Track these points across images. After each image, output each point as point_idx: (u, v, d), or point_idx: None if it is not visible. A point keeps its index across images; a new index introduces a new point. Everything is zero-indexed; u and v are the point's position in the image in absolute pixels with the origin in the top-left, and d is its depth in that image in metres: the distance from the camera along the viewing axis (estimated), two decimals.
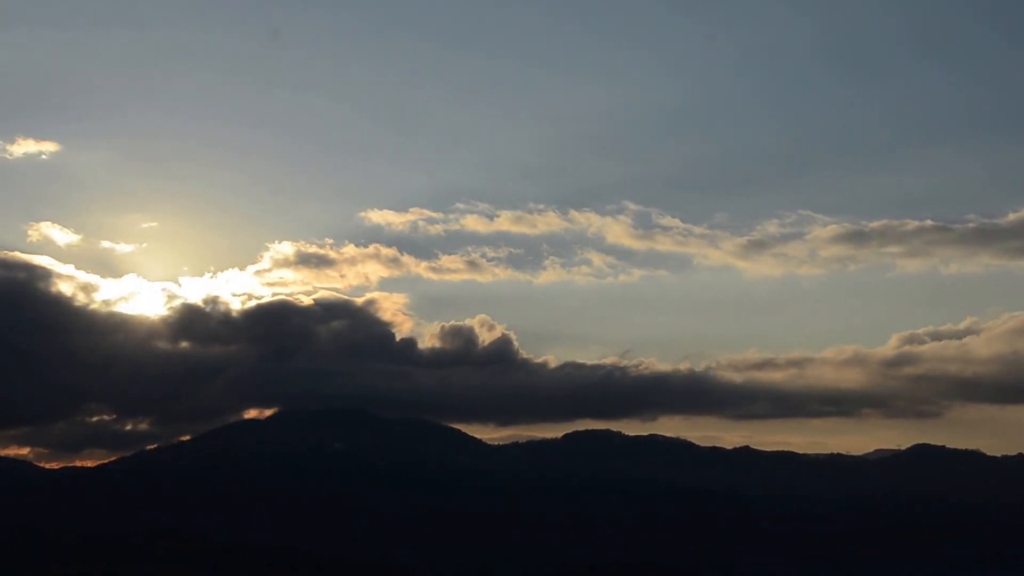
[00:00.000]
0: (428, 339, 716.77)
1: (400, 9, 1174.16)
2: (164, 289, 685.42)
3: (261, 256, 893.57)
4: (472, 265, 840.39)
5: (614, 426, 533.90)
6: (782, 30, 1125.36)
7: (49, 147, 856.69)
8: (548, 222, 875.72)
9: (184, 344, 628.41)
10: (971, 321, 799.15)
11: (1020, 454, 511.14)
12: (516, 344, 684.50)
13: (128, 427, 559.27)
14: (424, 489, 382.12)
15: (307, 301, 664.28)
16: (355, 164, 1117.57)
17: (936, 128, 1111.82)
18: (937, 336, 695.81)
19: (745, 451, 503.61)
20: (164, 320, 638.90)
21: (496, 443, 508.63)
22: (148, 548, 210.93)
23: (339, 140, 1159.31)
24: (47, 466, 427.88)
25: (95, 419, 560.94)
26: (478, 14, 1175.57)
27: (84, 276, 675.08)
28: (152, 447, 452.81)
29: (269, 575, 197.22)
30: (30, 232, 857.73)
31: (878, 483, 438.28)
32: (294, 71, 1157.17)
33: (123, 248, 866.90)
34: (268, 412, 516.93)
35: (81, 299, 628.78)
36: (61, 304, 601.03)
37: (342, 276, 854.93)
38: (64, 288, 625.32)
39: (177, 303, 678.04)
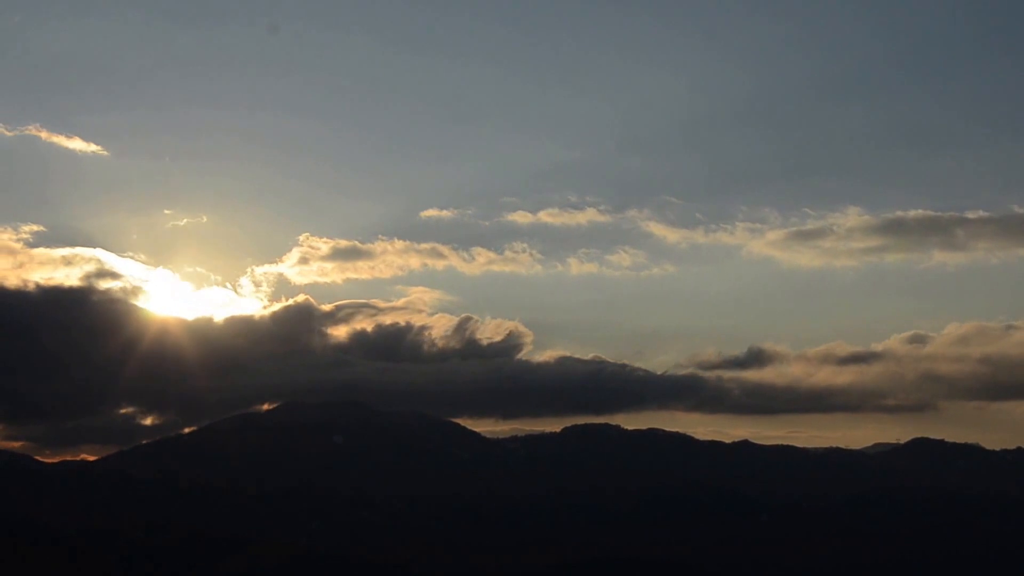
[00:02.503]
0: (437, 335, 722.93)
1: (448, 9, 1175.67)
2: (190, 286, 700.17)
3: (298, 251, 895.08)
4: (508, 259, 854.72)
5: (613, 421, 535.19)
6: (819, 31, 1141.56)
7: (92, 145, 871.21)
8: (588, 217, 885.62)
9: (204, 340, 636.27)
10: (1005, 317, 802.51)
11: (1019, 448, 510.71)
12: (520, 340, 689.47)
13: (139, 422, 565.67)
14: (422, 483, 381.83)
15: (327, 307, 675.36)
16: (399, 161, 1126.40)
17: (975, 123, 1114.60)
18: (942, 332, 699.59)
19: (744, 445, 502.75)
20: (187, 317, 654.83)
21: (495, 437, 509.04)
22: (145, 542, 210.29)
23: (383, 137, 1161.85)
24: (45, 460, 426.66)
25: (115, 413, 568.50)
26: (522, 14, 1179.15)
27: (116, 270, 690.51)
28: (149, 441, 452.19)
29: (265, 569, 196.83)
30: (72, 226, 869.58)
31: (877, 477, 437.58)
32: (341, 75, 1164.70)
33: (156, 244, 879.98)
34: (268, 406, 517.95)
35: (109, 295, 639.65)
36: (90, 301, 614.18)
37: (377, 268, 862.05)
38: (95, 285, 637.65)
39: (200, 302, 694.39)
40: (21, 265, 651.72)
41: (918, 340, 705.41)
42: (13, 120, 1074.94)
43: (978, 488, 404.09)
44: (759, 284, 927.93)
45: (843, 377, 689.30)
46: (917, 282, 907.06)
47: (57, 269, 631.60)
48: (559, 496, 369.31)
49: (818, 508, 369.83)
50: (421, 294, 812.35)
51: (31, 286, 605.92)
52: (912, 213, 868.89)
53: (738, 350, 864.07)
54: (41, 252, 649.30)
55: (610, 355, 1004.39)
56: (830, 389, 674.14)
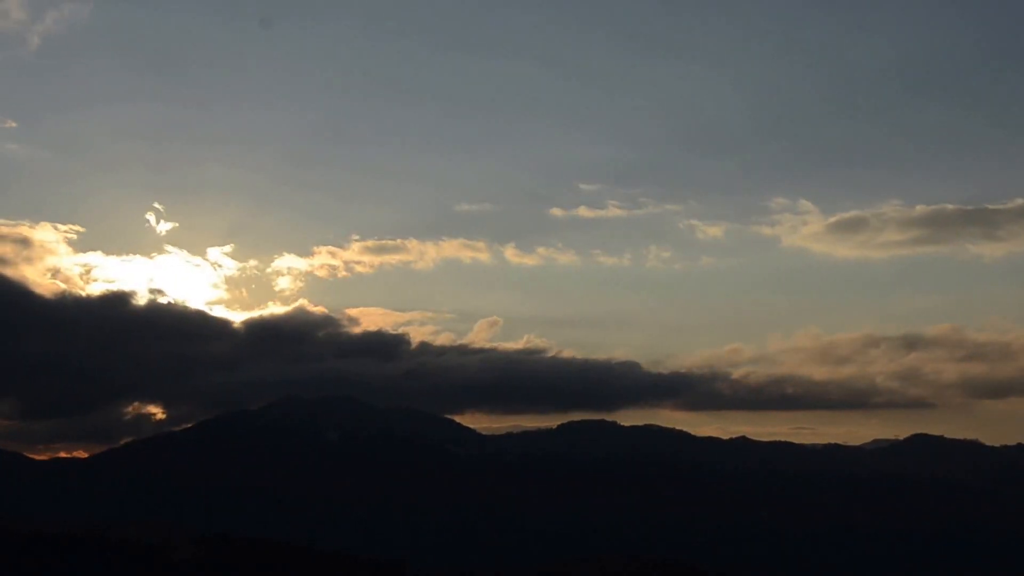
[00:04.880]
0: (435, 336, 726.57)
1: (489, 11, 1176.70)
2: (214, 284, 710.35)
3: (328, 246, 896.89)
4: (540, 254, 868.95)
5: (611, 418, 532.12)
6: (858, 27, 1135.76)
7: (127, 143, 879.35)
8: (623, 211, 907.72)
9: (209, 340, 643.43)
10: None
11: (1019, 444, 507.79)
12: (521, 339, 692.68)
13: (134, 420, 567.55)
14: (418, 480, 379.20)
15: (347, 311, 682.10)
16: (431, 156, 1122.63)
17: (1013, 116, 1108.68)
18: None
19: (742, 441, 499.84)
20: (202, 316, 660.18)
21: (491, 433, 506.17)
22: (137, 539, 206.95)
23: (415, 133, 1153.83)
24: (36, 457, 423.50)
25: (112, 411, 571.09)
26: (559, 12, 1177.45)
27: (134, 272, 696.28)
28: (142, 438, 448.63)
29: (258, 566, 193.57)
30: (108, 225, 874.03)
31: (876, 472, 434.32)
32: (375, 70, 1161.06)
33: (185, 242, 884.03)
34: (262, 403, 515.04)
35: (126, 297, 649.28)
36: (105, 303, 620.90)
37: (407, 262, 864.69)
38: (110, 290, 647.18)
39: (219, 302, 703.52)
40: (57, 270, 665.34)
41: (934, 336, 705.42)
42: (50, 116, 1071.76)
43: (977, 484, 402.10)
44: (795, 276, 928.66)
45: (847, 372, 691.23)
46: (954, 275, 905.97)
47: (87, 270, 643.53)
48: (556, 492, 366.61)
49: (817, 505, 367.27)
50: (445, 292, 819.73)
51: (46, 284, 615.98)
52: (951, 206, 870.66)
53: (752, 344, 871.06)
54: (76, 253, 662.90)
55: (634, 351, 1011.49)
56: (832, 385, 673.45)
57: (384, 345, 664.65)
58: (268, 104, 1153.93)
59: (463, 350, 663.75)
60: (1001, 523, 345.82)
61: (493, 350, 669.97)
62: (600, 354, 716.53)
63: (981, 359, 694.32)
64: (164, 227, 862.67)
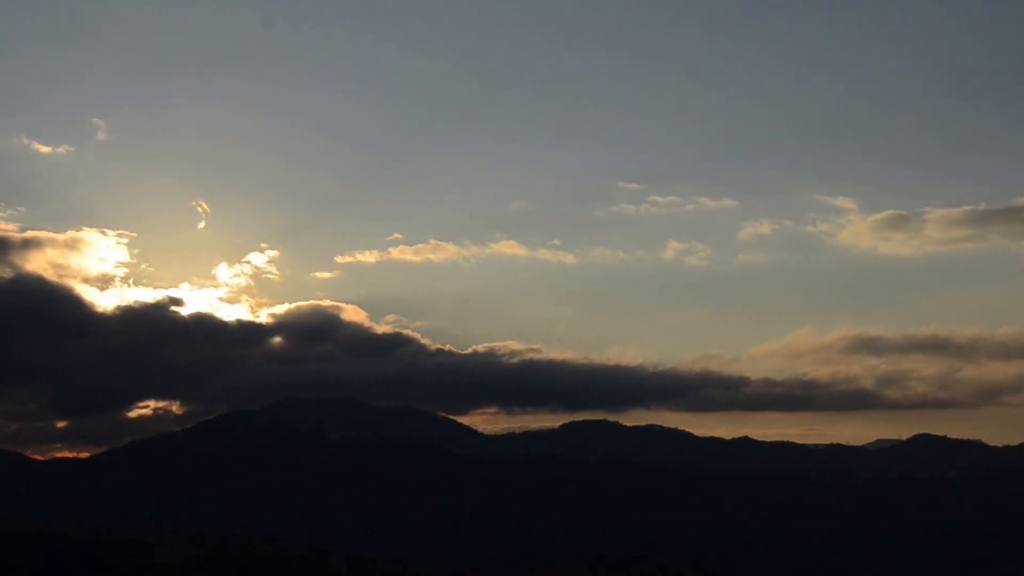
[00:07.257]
0: (437, 338, 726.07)
1: (531, 15, 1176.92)
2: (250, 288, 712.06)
3: (368, 249, 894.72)
4: (578, 252, 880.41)
5: (612, 418, 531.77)
6: (902, 31, 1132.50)
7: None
8: (666, 210, 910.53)
9: (217, 341, 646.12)
10: None
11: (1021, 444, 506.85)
12: (521, 341, 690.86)
13: (135, 420, 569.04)
14: (419, 480, 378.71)
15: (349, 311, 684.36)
16: (476, 161, 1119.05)
17: None
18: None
19: (744, 441, 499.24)
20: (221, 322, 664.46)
21: (493, 434, 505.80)
22: (137, 539, 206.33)
23: (463, 139, 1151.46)
24: (37, 457, 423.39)
25: (115, 411, 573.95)
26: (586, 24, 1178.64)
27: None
28: (144, 437, 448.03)
29: (258, 567, 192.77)
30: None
31: (878, 472, 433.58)
32: (430, 82, 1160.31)
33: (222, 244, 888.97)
34: (263, 403, 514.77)
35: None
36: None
37: (452, 263, 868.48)
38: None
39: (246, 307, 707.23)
40: (97, 275, 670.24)
41: (946, 336, 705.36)
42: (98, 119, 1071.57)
43: (981, 484, 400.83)
44: (835, 274, 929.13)
45: (851, 372, 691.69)
46: (993, 273, 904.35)
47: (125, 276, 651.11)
48: (557, 493, 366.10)
49: (819, 505, 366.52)
50: (480, 292, 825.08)
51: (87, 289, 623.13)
52: (991, 205, 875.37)
53: (757, 345, 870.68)
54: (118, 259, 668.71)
55: (647, 352, 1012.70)
56: (837, 385, 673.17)
57: (389, 346, 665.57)
58: (309, 107, 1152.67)
59: (466, 352, 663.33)
60: (1004, 524, 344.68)
61: (495, 351, 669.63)
62: (611, 354, 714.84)
63: (984, 359, 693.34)
64: (205, 231, 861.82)
